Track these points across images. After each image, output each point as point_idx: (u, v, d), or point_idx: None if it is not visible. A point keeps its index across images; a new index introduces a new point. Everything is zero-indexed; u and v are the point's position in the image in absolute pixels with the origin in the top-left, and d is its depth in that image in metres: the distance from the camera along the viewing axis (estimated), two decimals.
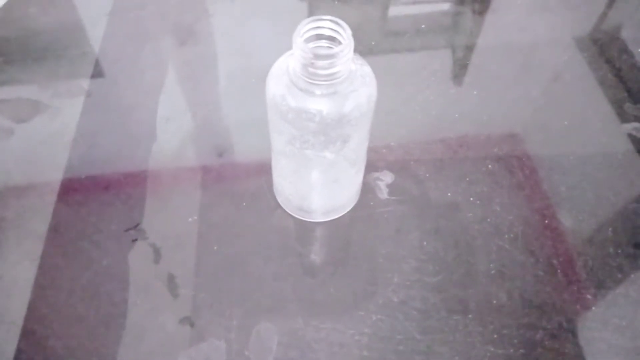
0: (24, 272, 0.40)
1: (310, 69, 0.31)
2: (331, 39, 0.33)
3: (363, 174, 0.42)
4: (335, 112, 0.33)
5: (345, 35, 0.31)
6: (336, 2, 0.61)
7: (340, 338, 0.37)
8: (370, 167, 0.44)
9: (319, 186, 0.39)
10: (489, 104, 0.51)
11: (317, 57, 0.31)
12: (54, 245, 0.41)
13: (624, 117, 0.50)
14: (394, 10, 0.63)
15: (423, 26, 0.59)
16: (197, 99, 0.52)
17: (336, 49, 0.31)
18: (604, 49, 0.56)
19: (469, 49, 0.57)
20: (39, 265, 0.40)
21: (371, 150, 0.40)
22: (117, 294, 0.39)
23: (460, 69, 0.54)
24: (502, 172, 0.45)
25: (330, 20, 0.31)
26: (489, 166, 0.46)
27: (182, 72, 0.55)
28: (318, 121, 0.33)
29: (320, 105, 0.32)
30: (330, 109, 0.32)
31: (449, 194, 0.44)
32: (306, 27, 0.31)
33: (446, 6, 0.63)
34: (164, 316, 0.38)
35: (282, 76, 0.33)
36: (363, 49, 0.55)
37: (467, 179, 0.45)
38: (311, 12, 0.61)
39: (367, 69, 0.34)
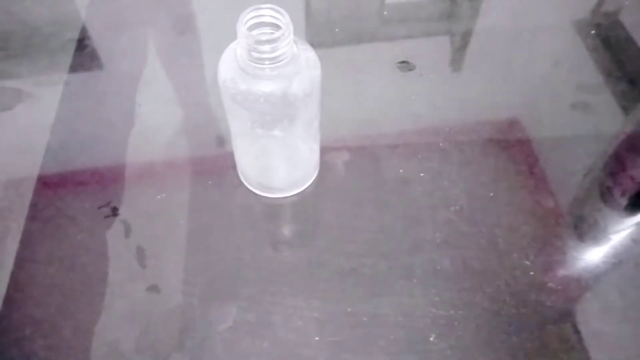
0: (6, 246, 0.43)
1: (254, 54, 0.34)
2: (275, 26, 0.36)
3: (318, 152, 0.45)
4: (279, 93, 0.36)
5: (284, 21, 0.34)
6: None
7: (294, 302, 0.40)
8: (329, 146, 0.47)
9: (274, 163, 0.42)
10: (438, 88, 0.54)
11: (258, 42, 0.34)
12: (33, 222, 0.44)
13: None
14: None
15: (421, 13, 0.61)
16: (177, 88, 0.55)
17: (276, 34, 0.34)
18: (602, 32, 0.58)
19: (466, 35, 0.59)
20: (20, 240, 0.43)
21: (331, 131, 0.43)
22: (91, 265, 0.42)
23: (403, 64, 0.57)
24: (452, 149, 0.48)
25: (270, 8, 0.34)
26: (440, 144, 0.49)
27: (165, 60, 0.58)
28: (263, 102, 0.36)
29: (265, 87, 0.35)
30: (274, 90, 0.35)
31: (401, 171, 0.47)
32: (248, 16, 0.34)
33: None
34: (133, 284, 0.41)
35: (232, 62, 0.36)
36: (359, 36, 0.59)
37: (419, 156, 0.48)
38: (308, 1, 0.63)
39: (310, 54, 0.37)
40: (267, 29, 0.36)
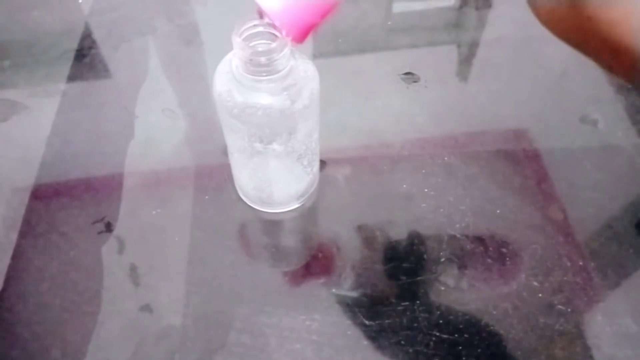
0: None
1: (250, 66, 0.33)
2: (272, 36, 0.34)
3: (318, 165, 0.43)
4: (277, 105, 0.34)
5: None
6: None
7: (291, 323, 0.39)
8: (330, 159, 0.46)
9: (272, 178, 0.41)
10: (444, 99, 0.52)
11: (255, 53, 0.32)
12: (26, 237, 0.43)
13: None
14: (398, 7, 0.64)
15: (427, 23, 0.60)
16: (176, 99, 0.54)
17: (272, 45, 0.32)
18: None
19: (472, 45, 0.58)
20: (12, 256, 0.42)
21: (332, 143, 0.41)
22: (83, 283, 0.41)
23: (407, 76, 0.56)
24: (458, 163, 0.47)
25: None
26: (445, 159, 0.47)
27: (167, 71, 0.57)
28: (261, 115, 0.34)
29: (262, 99, 0.34)
30: (272, 103, 0.34)
31: (405, 186, 0.45)
32: (244, 27, 0.33)
33: (450, 2, 0.64)
34: (126, 303, 0.40)
35: (227, 74, 0.35)
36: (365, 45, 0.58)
37: (423, 170, 0.46)
38: None
39: (309, 66, 0.36)
40: (263, 40, 0.34)
